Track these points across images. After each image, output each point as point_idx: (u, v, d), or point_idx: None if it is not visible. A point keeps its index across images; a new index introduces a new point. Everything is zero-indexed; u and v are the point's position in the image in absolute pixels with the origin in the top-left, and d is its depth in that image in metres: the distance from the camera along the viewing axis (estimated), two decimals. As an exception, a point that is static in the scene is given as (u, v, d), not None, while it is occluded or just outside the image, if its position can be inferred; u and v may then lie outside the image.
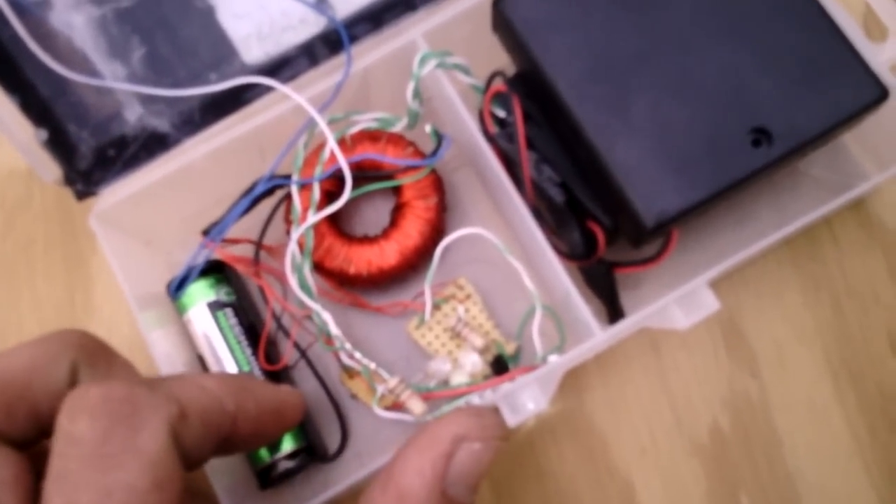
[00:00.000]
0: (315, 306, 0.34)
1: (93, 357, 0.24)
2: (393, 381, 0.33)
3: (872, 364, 0.37)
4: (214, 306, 0.36)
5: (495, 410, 0.30)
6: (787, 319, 0.37)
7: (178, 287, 0.36)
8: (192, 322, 0.36)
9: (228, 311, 0.36)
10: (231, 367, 0.35)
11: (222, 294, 0.36)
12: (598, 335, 0.32)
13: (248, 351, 0.36)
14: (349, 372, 0.37)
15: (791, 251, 0.38)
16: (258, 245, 0.37)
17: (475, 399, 0.34)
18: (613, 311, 0.37)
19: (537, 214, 0.36)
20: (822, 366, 0.37)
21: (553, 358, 0.35)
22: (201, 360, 0.36)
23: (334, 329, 0.34)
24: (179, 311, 0.36)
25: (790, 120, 0.32)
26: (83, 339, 0.25)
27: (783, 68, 0.33)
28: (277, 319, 0.37)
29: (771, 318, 0.37)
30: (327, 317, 0.34)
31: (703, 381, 0.37)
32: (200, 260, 0.36)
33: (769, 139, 0.32)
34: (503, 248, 0.35)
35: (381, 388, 0.34)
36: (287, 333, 0.37)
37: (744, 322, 0.38)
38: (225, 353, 0.35)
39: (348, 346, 0.34)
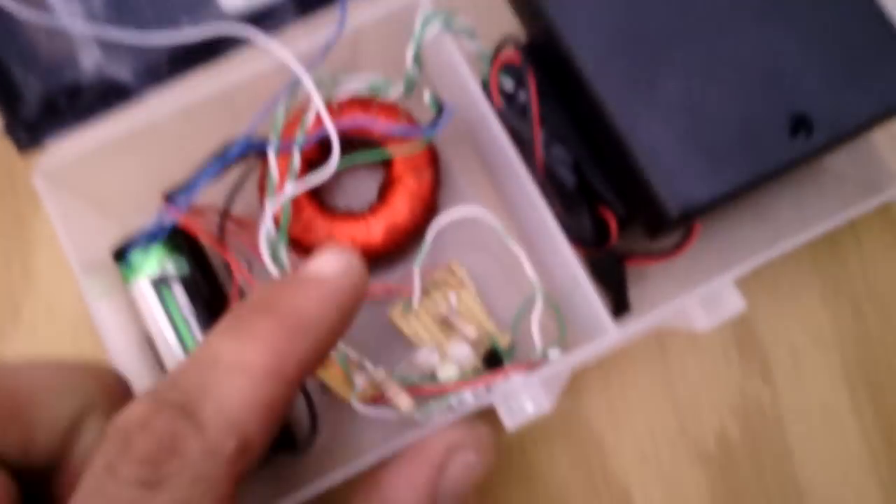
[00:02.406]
0: (292, 288, 0.30)
1: (113, 405, 0.21)
2: (380, 373, 0.30)
3: (893, 374, 0.34)
4: (159, 281, 0.31)
5: (487, 428, 0.27)
6: (804, 323, 0.35)
7: (121, 255, 0.32)
8: (136, 296, 0.32)
9: (177, 286, 0.32)
10: (178, 353, 0.31)
11: (170, 266, 0.32)
12: (611, 332, 0.29)
13: (200, 334, 0.31)
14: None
15: (811, 251, 0.35)
16: (224, 215, 0.33)
17: (468, 397, 0.30)
18: (620, 305, 0.34)
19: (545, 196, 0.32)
20: (839, 374, 0.34)
21: (554, 354, 0.32)
22: (149, 341, 0.32)
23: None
24: (125, 281, 0.32)
25: (832, 108, 0.30)
26: (111, 385, 0.21)
27: (827, 53, 0.30)
28: (244, 297, 0.33)
29: (787, 321, 0.35)
30: (305, 300, 0.30)
31: (712, 386, 0.34)
32: (158, 227, 0.32)
33: (809, 128, 0.29)
34: (503, 232, 0.32)
35: (360, 380, 0.30)
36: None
37: (758, 324, 0.35)
38: (170, 334, 0.31)
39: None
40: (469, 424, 0.25)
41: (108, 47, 0.30)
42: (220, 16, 0.31)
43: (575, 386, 0.34)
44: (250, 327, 0.19)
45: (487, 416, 0.29)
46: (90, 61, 0.30)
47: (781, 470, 0.33)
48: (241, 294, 0.32)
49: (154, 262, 0.31)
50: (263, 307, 0.20)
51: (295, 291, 0.21)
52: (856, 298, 0.35)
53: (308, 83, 0.30)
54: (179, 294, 0.31)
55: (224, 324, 0.20)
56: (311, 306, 0.20)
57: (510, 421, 0.28)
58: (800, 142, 0.29)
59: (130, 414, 0.18)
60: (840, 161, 0.36)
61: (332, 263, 0.22)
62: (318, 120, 0.31)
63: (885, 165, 0.36)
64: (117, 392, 0.21)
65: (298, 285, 0.21)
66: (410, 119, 0.34)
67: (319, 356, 0.21)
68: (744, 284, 0.35)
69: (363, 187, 0.36)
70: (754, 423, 0.34)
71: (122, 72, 0.30)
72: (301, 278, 0.21)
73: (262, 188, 0.33)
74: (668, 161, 0.29)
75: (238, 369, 0.19)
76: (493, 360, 0.33)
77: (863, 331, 0.35)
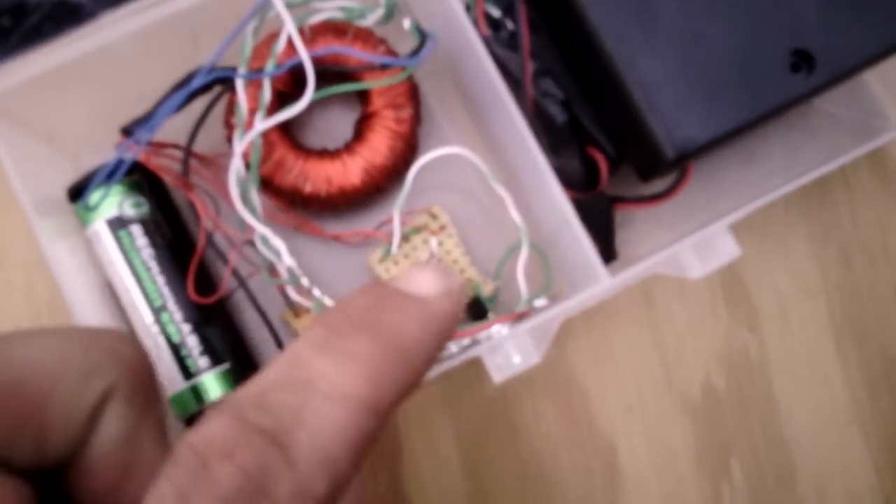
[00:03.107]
0: (264, 230, 0.28)
1: (135, 388, 0.18)
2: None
3: (878, 323, 0.34)
4: (116, 223, 0.29)
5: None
6: (792, 270, 0.34)
7: (76, 194, 0.29)
8: (93, 239, 0.29)
9: (135, 228, 0.29)
10: (139, 300, 0.29)
11: (129, 207, 0.29)
12: (603, 280, 0.27)
13: (162, 279, 0.29)
14: (295, 310, 0.31)
15: (799, 194, 0.34)
16: (188, 151, 0.30)
17: (452, 348, 0.29)
18: (608, 252, 0.32)
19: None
20: (826, 323, 0.34)
21: (540, 302, 0.30)
22: (110, 287, 0.30)
23: (288, 259, 0.28)
24: (82, 223, 0.30)
25: (835, 44, 0.28)
26: (133, 356, 0.18)
27: (832, -17, 0.28)
28: (211, 241, 0.31)
29: (774, 269, 0.34)
30: (279, 244, 0.28)
31: (698, 335, 0.33)
32: (116, 165, 0.29)
33: (810, 64, 0.28)
34: (488, 173, 0.30)
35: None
36: (223, 258, 0.31)
37: (745, 271, 0.34)
38: (130, 281, 0.29)
39: (305, 280, 0.29)
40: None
41: (55, -39, 0.27)
42: (182, -71, 0.28)
43: (559, 335, 0.33)
44: (352, 348, 0.17)
45: (474, 365, 0.28)
46: (36, -24, 0.27)
47: (767, 419, 0.33)
48: (208, 238, 0.30)
49: (113, 203, 0.29)
50: (364, 325, 0.18)
51: (398, 311, 0.18)
52: (844, 245, 0.34)
53: (278, 4, 0.28)
54: (139, 236, 0.29)
55: (319, 336, 0.17)
56: (414, 331, 0.18)
57: (498, 374, 0.27)
58: (801, 79, 0.28)
59: (211, 434, 0.15)
60: (832, 101, 0.35)
61: (436, 284, 0.19)
62: (290, 47, 0.28)
63: (877, 107, 0.35)
64: (139, 371, 0.18)
65: (402, 304, 0.19)
66: (388, 48, 0.32)
67: (414, 387, 0.18)
68: (732, 231, 0.34)
69: (338, 123, 0.34)
70: (740, 373, 0.33)
71: (72, -11, 0.27)
72: (403, 295, 0.19)
73: (228, 123, 0.31)
74: (665, 99, 0.27)
75: (335, 398, 0.16)
76: (476, 308, 0.31)
77: (850, 279, 0.34)
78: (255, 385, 0.16)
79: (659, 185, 0.31)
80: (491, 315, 0.31)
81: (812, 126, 0.35)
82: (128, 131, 0.29)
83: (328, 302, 0.29)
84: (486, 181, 0.30)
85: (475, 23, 0.30)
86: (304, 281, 0.29)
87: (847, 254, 0.34)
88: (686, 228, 0.34)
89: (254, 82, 0.30)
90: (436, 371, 0.27)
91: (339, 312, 0.18)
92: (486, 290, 0.32)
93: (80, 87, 0.29)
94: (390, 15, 0.30)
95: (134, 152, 0.29)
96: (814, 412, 0.33)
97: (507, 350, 0.28)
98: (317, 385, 0.16)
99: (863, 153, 0.30)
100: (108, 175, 0.29)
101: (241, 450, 0.15)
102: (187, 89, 0.28)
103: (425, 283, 0.19)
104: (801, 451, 0.33)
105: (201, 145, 0.31)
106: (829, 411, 0.33)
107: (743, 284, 0.34)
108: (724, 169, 0.34)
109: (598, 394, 0.33)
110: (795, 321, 0.34)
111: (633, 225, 0.34)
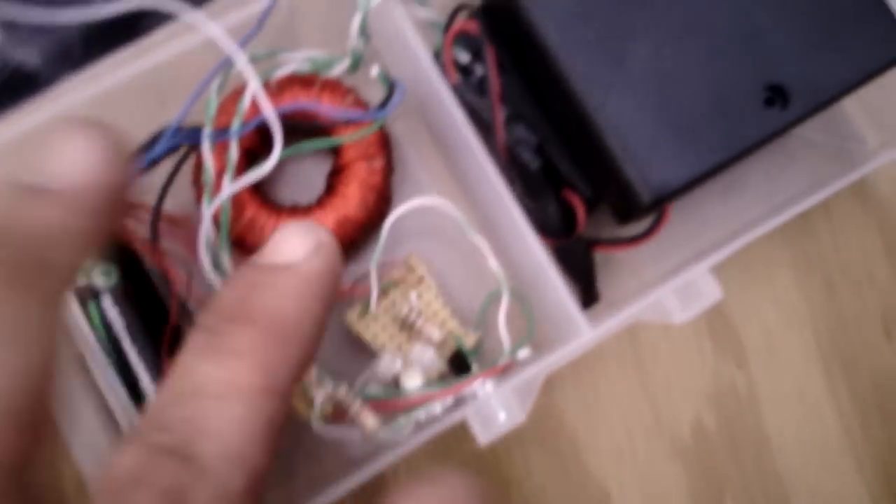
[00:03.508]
0: (236, 296, 0.28)
1: None
2: (341, 390, 0.27)
3: (866, 351, 0.33)
4: (87, 294, 0.28)
5: (463, 478, 0.19)
6: (777, 302, 0.33)
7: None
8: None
9: (106, 300, 0.28)
10: (110, 375, 0.28)
11: (98, 277, 0.29)
12: (585, 333, 0.27)
13: (133, 351, 0.28)
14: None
15: (781, 225, 0.34)
16: (156, 216, 0.29)
17: (436, 408, 0.28)
18: (588, 296, 0.32)
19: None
20: (814, 353, 0.33)
21: (523, 353, 0.30)
22: (80, 359, 0.29)
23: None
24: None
25: (808, 76, 0.28)
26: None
27: (802, 18, 0.28)
28: (184, 310, 0.30)
29: (759, 301, 0.33)
30: (252, 309, 0.28)
31: (686, 374, 0.33)
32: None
33: (785, 98, 0.28)
34: (464, 223, 0.29)
35: (319, 397, 0.28)
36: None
37: (730, 305, 0.33)
38: (101, 355, 0.28)
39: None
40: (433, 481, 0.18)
41: (11, 28, 0.26)
42: (138, -10, 0.27)
43: (545, 383, 0.32)
44: (230, 344, 0.17)
45: (458, 426, 0.27)
46: (-12, 46, 0.26)
47: (759, 457, 0.32)
48: (181, 306, 0.29)
49: (80, 274, 0.28)
50: (238, 316, 0.17)
51: (269, 289, 0.18)
52: (828, 273, 0.34)
53: (242, 62, 0.27)
54: (109, 307, 0.28)
55: (198, 342, 0.17)
56: (290, 305, 0.18)
57: (484, 436, 0.26)
58: (775, 113, 0.28)
59: (120, 466, 0.15)
60: (810, 127, 0.35)
61: (303, 244, 0.19)
62: (256, 104, 0.28)
63: (855, 131, 0.35)
64: None
65: (271, 281, 0.18)
66: (357, 97, 0.31)
67: (309, 357, 0.18)
68: (713, 270, 0.33)
69: (309, 176, 0.33)
70: (730, 410, 0.33)
71: (29, 55, 0.27)
72: (270, 269, 0.18)
73: (197, 183, 0.30)
74: (639, 142, 0.27)
75: (229, 396, 0.16)
76: (459, 362, 0.30)
77: (835, 307, 0.34)
78: (152, 408, 0.16)
79: (638, 224, 0.31)
80: (475, 368, 0.30)
81: (791, 152, 0.34)
82: (92, 199, 0.28)
83: (313, 373, 0.29)
84: (463, 230, 0.30)
85: (444, 69, 0.30)
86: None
87: (831, 282, 0.34)
88: (668, 264, 0.33)
89: (220, 141, 0.29)
90: (421, 436, 0.26)
91: (212, 312, 0.18)
92: (469, 342, 0.31)
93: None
94: (356, 65, 0.30)
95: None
96: (806, 444, 0.33)
97: (492, 409, 0.27)
98: (207, 389, 0.16)
99: (843, 185, 0.30)
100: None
101: (151, 474, 0.15)
102: (152, 155, 0.27)
103: (291, 248, 0.19)
104: (794, 485, 0.32)
105: (170, 204, 0.30)
106: (821, 442, 0.33)
107: (728, 319, 0.33)
108: (704, 201, 0.34)
109: (587, 440, 0.32)
110: (783, 353, 0.33)
111: (615, 263, 0.33)
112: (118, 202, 0.18)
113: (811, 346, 0.33)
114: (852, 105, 0.34)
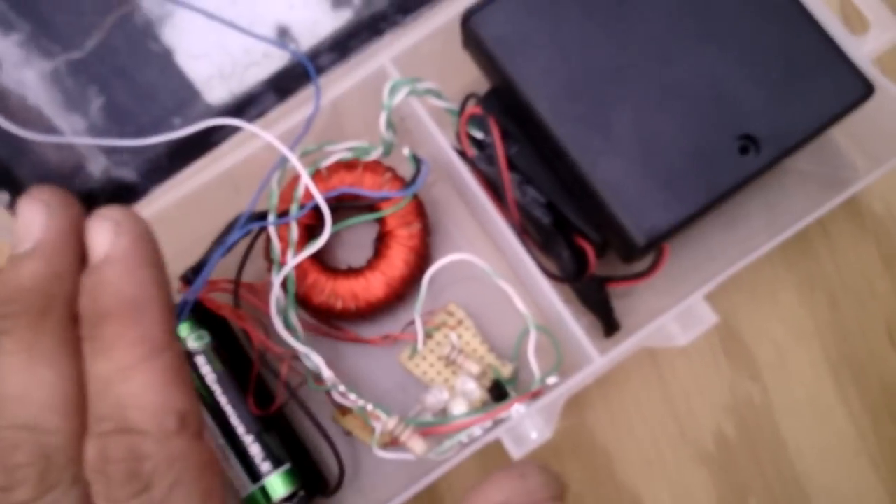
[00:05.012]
0: (304, 349, 0.33)
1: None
2: (391, 422, 0.33)
3: (873, 358, 0.36)
4: (185, 356, 0.35)
5: (542, 469, 0.25)
6: (784, 320, 0.37)
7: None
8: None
9: (199, 358, 0.35)
10: (207, 420, 0.34)
11: (192, 341, 0.35)
12: (596, 361, 0.31)
13: (224, 399, 0.34)
14: (342, 409, 0.36)
15: (782, 249, 0.37)
16: (237, 286, 0.36)
17: (477, 431, 0.33)
18: (609, 326, 0.36)
19: (524, 232, 0.35)
20: (823, 364, 0.36)
21: (552, 380, 0.34)
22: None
23: (326, 371, 0.33)
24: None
25: (776, 124, 0.32)
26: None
27: (765, 70, 0.32)
28: (264, 360, 0.36)
29: (767, 320, 0.37)
30: (318, 359, 0.33)
31: (704, 389, 0.37)
32: (181, 307, 0.35)
33: (757, 145, 0.32)
34: (491, 272, 0.34)
35: (378, 427, 0.33)
36: (275, 373, 0.36)
37: (740, 326, 0.37)
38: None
39: (341, 387, 0.33)
40: (520, 475, 0.24)
41: (111, 153, 0.33)
42: (208, 110, 0.33)
43: (577, 403, 0.37)
44: (104, 340, 0.21)
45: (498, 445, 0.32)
46: (98, 168, 0.33)
47: (778, 461, 0.36)
48: (261, 357, 0.35)
49: (180, 340, 0.35)
50: (97, 317, 0.22)
51: (103, 285, 0.22)
52: (830, 290, 0.37)
53: (294, 160, 0.33)
54: (203, 365, 0.35)
55: (88, 351, 0.22)
56: (125, 285, 0.22)
57: (517, 451, 0.31)
58: (750, 160, 0.31)
59: (92, 459, 0.21)
60: (803, 160, 0.38)
61: (103, 235, 0.22)
62: (309, 191, 0.34)
63: (845, 159, 0.38)
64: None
65: (100, 277, 0.22)
66: (394, 174, 0.36)
67: (166, 302, 0.22)
68: (722, 289, 0.37)
69: (361, 239, 0.39)
70: (748, 419, 0.36)
71: (127, 173, 0.33)
72: (96, 269, 0.22)
73: (267, 257, 0.36)
74: (629, 194, 0.31)
75: (127, 373, 0.21)
76: (498, 390, 0.35)
77: (840, 321, 0.37)
78: (90, 414, 0.21)
79: (646, 261, 0.35)
80: (512, 394, 0.35)
81: (787, 185, 0.38)
82: (187, 279, 0.35)
83: (369, 406, 0.34)
84: (492, 278, 0.35)
85: (461, 145, 0.35)
86: (341, 388, 0.33)
87: (834, 298, 0.37)
88: (682, 292, 0.37)
89: (283, 224, 0.35)
90: (464, 454, 0.31)
91: (81, 324, 0.22)
92: (505, 372, 0.36)
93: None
94: (388, 151, 0.35)
95: (194, 294, 0.35)
96: (822, 448, 0.36)
97: (523, 429, 0.32)
98: (112, 378, 0.21)
99: (837, 204, 0.33)
100: (176, 316, 0.35)
101: (111, 452, 0.20)
102: (227, 243, 0.34)
103: (98, 244, 0.23)
104: (813, 486, 0.35)
105: (248, 275, 0.36)
106: (837, 445, 0.36)
107: (740, 337, 0.37)
108: (709, 234, 0.38)
109: (618, 452, 0.36)
110: (794, 366, 0.36)
111: (633, 295, 0.37)
112: (77, 235, 0.23)
113: (819, 357, 0.36)
114: (841, 136, 0.38)
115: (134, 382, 0.21)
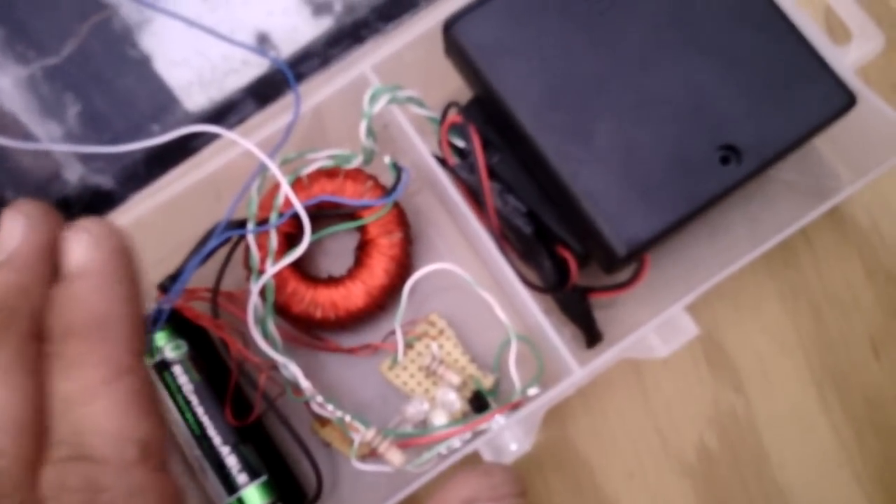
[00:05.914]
0: (282, 360, 0.33)
1: None
2: (369, 433, 0.32)
3: (856, 370, 0.36)
4: (161, 366, 0.34)
5: (505, 468, 0.27)
6: (768, 331, 0.37)
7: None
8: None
9: (177, 368, 0.34)
10: (183, 431, 0.34)
11: (169, 350, 0.34)
12: (576, 372, 0.31)
13: (201, 409, 0.34)
14: (321, 420, 0.35)
15: (766, 259, 0.37)
16: (215, 295, 0.35)
17: (456, 443, 0.33)
18: (591, 337, 0.36)
19: (506, 242, 0.35)
20: (806, 376, 0.36)
21: (533, 391, 0.34)
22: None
23: (304, 382, 0.33)
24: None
25: (757, 134, 0.32)
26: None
27: (747, 81, 0.32)
28: (243, 370, 0.35)
29: (750, 331, 0.37)
30: (295, 369, 0.33)
31: (687, 400, 0.36)
32: (156, 315, 0.34)
33: (738, 156, 0.31)
34: (473, 282, 0.34)
35: (357, 438, 0.33)
36: (253, 384, 0.35)
37: (723, 337, 0.37)
38: (175, 415, 0.34)
39: (319, 398, 0.33)
40: (486, 472, 0.25)
41: (88, 160, 0.33)
42: (186, 116, 0.33)
43: (560, 414, 0.37)
44: (69, 358, 0.20)
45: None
46: (74, 175, 0.33)
47: (761, 474, 0.35)
48: (239, 367, 0.34)
49: (156, 349, 0.34)
50: (64, 334, 0.21)
51: (74, 300, 0.21)
52: (814, 300, 0.37)
53: (273, 168, 0.33)
54: (180, 374, 0.34)
55: (51, 369, 0.21)
56: (95, 302, 0.21)
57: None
58: (731, 170, 0.31)
59: (47, 485, 0.19)
60: (786, 169, 0.38)
61: (80, 249, 0.21)
62: (289, 199, 0.33)
63: (828, 169, 0.38)
64: None
65: (72, 292, 0.21)
66: (376, 182, 0.36)
67: (137, 321, 0.21)
68: (705, 300, 0.37)
69: (341, 247, 0.38)
70: (730, 431, 0.36)
71: (104, 180, 0.33)
72: (68, 282, 0.21)
73: (246, 265, 0.36)
74: (610, 205, 0.31)
75: (89, 397, 0.20)
76: (479, 401, 0.35)
77: (823, 332, 0.36)
78: (49, 437, 0.20)
79: (628, 271, 0.35)
80: (493, 405, 0.35)
81: (770, 195, 0.38)
82: (164, 287, 0.34)
83: (347, 417, 0.33)
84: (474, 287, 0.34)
85: (443, 153, 0.35)
86: (319, 399, 0.33)
87: (817, 309, 0.37)
88: (664, 302, 0.37)
89: (263, 231, 0.35)
90: (442, 466, 0.31)
91: (47, 339, 0.21)
92: (487, 383, 0.36)
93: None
94: (369, 159, 0.35)
95: (170, 303, 0.34)
96: (805, 460, 0.35)
97: (502, 440, 0.31)
98: (74, 400, 0.20)
99: (820, 214, 0.33)
100: (150, 325, 0.35)
101: (67, 479, 0.19)
102: (204, 251, 0.33)
103: (74, 257, 0.21)
104: (796, 498, 0.35)
105: (228, 283, 0.36)
106: (820, 458, 0.35)
107: (722, 349, 0.37)
108: (692, 244, 0.37)
109: (600, 464, 0.36)
110: (776, 376, 0.36)
111: (616, 306, 0.37)
112: (53, 249, 0.22)
113: (803, 369, 0.36)
114: (825, 147, 0.37)
115: (95, 406, 0.20)
